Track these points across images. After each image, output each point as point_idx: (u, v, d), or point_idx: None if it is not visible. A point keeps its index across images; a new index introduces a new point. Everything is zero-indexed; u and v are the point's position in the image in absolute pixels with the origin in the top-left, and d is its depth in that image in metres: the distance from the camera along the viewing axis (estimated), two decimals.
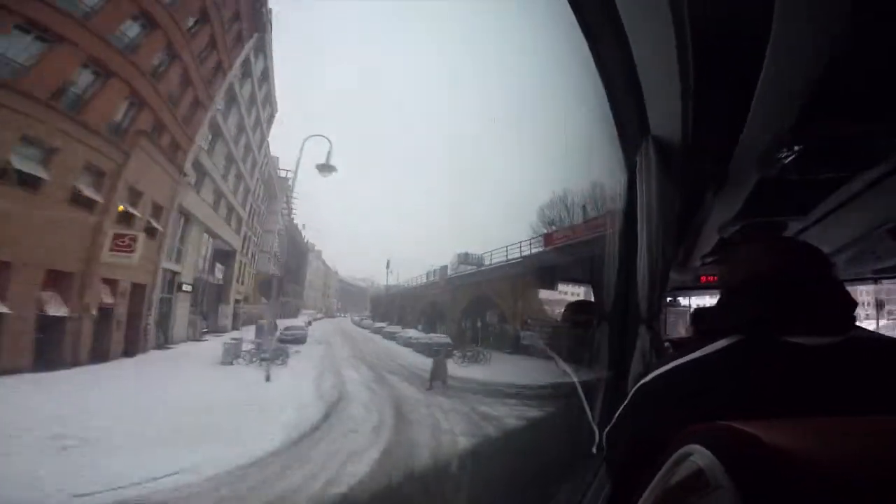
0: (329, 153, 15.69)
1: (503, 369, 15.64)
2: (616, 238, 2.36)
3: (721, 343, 0.77)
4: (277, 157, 22.70)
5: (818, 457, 0.47)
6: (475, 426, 10.22)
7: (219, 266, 16.61)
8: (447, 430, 9.83)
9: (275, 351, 13.84)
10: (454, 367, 14.50)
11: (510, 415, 11.19)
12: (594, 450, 1.87)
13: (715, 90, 1.33)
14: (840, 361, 0.71)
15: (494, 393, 12.79)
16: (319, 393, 11.57)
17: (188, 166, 13.72)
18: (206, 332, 15.78)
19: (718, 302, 0.88)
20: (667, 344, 2.15)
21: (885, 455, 0.48)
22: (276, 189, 22.04)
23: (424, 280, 25.69)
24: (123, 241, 10.91)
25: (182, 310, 13.92)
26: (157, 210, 12.78)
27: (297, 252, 26.17)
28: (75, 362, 10.08)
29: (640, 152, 1.85)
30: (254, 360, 13.31)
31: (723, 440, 0.51)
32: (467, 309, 22.01)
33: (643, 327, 1.87)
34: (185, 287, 13.90)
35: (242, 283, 18.53)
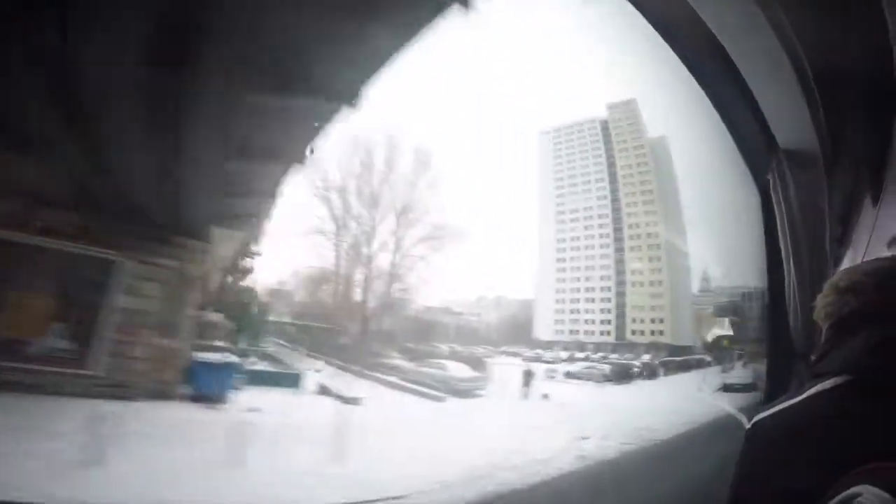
0: None
1: None
2: (756, 263, 2.11)
3: (826, 384, 0.68)
4: None
5: None
6: None
7: None
8: None
9: None
10: None
11: None
12: None
13: (845, 91, 1.20)
14: None
15: None
16: None
17: None
18: None
19: (823, 338, 0.78)
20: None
21: None
22: None
23: None
24: None
25: None
26: None
27: None
28: None
29: (772, 169, 1.69)
30: None
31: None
32: None
33: (800, 363, 1.63)
34: None
35: None
